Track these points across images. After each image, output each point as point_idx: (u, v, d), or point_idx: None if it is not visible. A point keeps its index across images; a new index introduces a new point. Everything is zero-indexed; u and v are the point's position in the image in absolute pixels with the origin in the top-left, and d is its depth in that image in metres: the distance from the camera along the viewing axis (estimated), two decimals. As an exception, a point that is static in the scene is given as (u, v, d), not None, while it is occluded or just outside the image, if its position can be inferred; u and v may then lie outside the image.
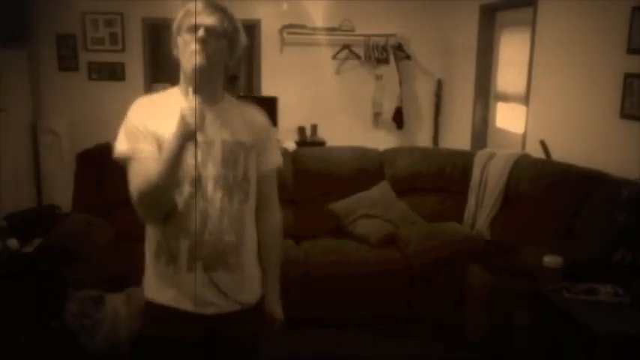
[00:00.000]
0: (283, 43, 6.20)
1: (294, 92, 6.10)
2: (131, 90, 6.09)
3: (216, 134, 1.78)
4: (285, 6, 6.10)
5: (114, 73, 6.05)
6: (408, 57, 6.24)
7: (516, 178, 3.90)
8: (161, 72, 6.37)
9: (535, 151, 4.16)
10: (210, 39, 1.76)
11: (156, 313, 1.84)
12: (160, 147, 1.71)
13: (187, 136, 1.61)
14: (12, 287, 4.08)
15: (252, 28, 6.24)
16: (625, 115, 3.46)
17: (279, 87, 6.14)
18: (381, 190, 4.21)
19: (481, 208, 4.08)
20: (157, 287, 1.86)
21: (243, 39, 1.90)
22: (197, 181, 1.73)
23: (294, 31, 6.13)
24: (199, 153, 1.71)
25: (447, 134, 6.25)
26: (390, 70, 6.16)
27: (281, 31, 6.15)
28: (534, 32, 4.42)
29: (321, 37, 6.13)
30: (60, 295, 3.43)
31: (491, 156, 4.20)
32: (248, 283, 1.85)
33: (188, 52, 1.75)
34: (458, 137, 5.85)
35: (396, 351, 3.47)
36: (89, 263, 3.45)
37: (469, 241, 3.75)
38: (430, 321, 3.64)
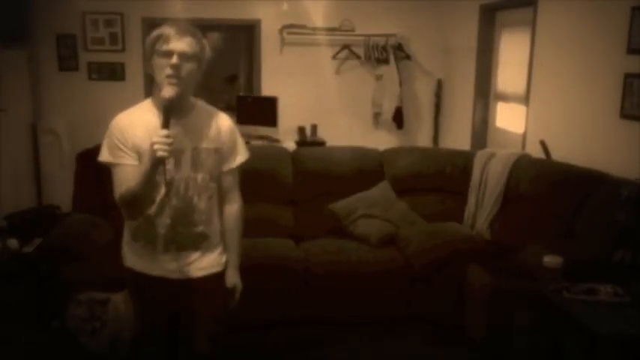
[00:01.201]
0: (283, 43, 6.20)
1: (294, 92, 6.11)
2: (131, 90, 6.10)
3: (186, 143, 2.11)
4: (285, 6, 6.11)
5: (114, 73, 6.06)
6: (408, 57, 6.24)
7: (516, 178, 3.91)
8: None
9: (535, 151, 4.16)
10: (182, 63, 2.02)
11: (134, 277, 2.29)
12: (139, 155, 2.06)
13: (158, 162, 1.95)
14: (12, 287, 4.08)
15: (252, 28, 6.24)
16: (625, 115, 3.46)
17: (279, 87, 6.14)
18: (381, 190, 4.21)
19: (481, 208, 4.08)
20: (135, 259, 2.27)
21: (208, 53, 2.16)
22: (170, 183, 2.11)
23: (294, 31, 6.13)
24: (172, 160, 2.06)
25: (447, 134, 6.25)
26: (390, 70, 6.16)
27: (281, 31, 6.15)
28: (534, 32, 4.42)
29: (321, 37, 6.14)
30: (60, 296, 3.43)
31: (491, 156, 4.20)
32: (211, 259, 2.27)
33: (162, 76, 2.03)
34: (458, 137, 5.85)
35: (395, 351, 3.47)
36: (89, 263, 3.45)
37: (469, 241, 3.74)
38: (430, 321, 3.64)
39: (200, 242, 2.23)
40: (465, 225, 4.10)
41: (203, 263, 2.25)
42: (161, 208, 2.14)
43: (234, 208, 2.31)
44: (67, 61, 5.96)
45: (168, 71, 2.00)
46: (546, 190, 3.62)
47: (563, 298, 2.59)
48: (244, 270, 3.50)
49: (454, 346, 3.45)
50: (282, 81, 6.16)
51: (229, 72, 6.64)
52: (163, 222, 2.15)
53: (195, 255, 2.23)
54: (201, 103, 2.23)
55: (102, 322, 3.14)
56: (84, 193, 4.03)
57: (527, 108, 4.53)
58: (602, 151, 3.66)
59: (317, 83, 6.24)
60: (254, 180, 3.91)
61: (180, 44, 2.03)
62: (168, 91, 2.00)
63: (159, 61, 2.04)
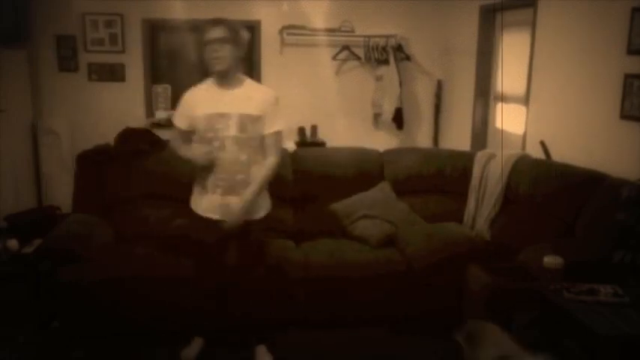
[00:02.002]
0: (283, 43, 6.20)
1: (294, 93, 6.10)
2: (131, 91, 6.11)
3: (234, 109, 2.95)
4: (285, 7, 6.11)
5: (114, 73, 6.05)
6: (408, 58, 6.24)
7: (516, 179, 3.91)
8: (161, 73, 6.37)
9: (535, 152, 4.16)
10: (219, 47, 2.93)
11: (194, 217, 3.13)
12: (191, 122, 3.05)
13: (202, 165, 3.02)
14: (12, 288, 4.08)
15: (252, 29, 6.24)
16: (625, 115, 3.46)
17: (279, 88, 6.08)
18: (382, 190, 4.21)
19: (481, 209, 4.08)
20: (195, 202, 3.14)
21: (245, 35, 3.05)
22: (219, 141, 2.96)
23: (294, 32, 6.14)
24: (223, 121, 2.95)
25: (447, 135, 6.25)
26: (390, 71, 6.16)
27: (281, 31, 6.15)
28: (534, 33, 4.42)
29: (321, 38, 6.14)
30: (60, 297, 3.43)
31: (491, 156, 4.20)
32: (251, 206, 3.01)
33: (208, 60, 2.99)
34: (458, 138, 5.85)
35: (395, 351, 3.47)
36: (89, 264, 3.45)
37: (469, 241, 3.74)
38: (430, 321, 3.64)
39: (240, 189, 2.96)
40: (464, 226, 4.10)
41: (243, 210, 2.98)
42: (213, 162, 2.96)
43: (269, 160, 3.02)
44: (67, 62, 5.96)
45: (211, 54, 2.95)
46: (546, 190, 3.62)
47: (564, 298, 2.59)
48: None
49: (454, 347, 3.45)
50: (282, 82, 6.16)
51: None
52: (214, 170, 2.97)
53: (235, 199, 2.96)
54: (249, 80, 3.10)
55: None
56: (84, 193, 4.03)
57: (527, 109, 4.53)
58: (602, 152, 3.66)
59: (317, 84, 6.24)
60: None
61: (215, 33, 2.93)
62: (214, 67, 2.96)
63: (205, 49, 2.98)
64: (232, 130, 2.93)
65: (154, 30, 6.21)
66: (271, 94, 3.04)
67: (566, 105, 4.07)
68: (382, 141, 5.91)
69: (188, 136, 3.10)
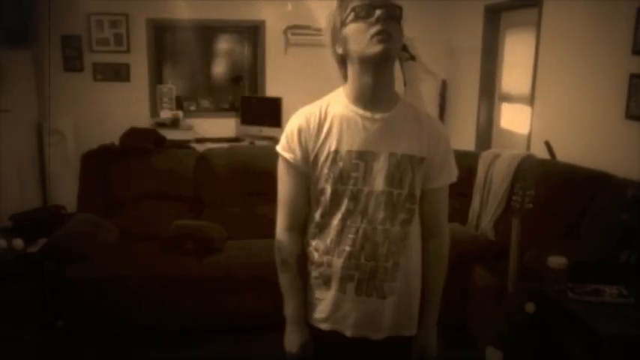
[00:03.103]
0: (288, 43, 6.20)
1: (299, 93, 6.07)
2: (136, 91, 6.12)
3: (382, 146, 1.62)
4: (289, 7, 6.11)
5: (119, 73, 6.07)
6: (412, 58, 6.24)
7: (521, 179, 3.89)
8: (165, 73, 6.39)
9: (540, 152, 4.15)
10: (389, 21, 1.61)
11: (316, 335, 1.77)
12: (307, 158, 1.65)
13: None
14: (17, 287, 4.09)
15: (256, 29, 6.25)
16: (630, 115, 3.45)
17: (283, 88, 6.15)
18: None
19: (485, 209, 4.07)
20: (310, 308, 1.77)
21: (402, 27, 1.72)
22: (356, 198, 1.62)
23: (298, 32, 6.14)
24: (362, 165, 1.61)
25: (452, 135, 6.20)
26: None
27: (285, 31, 6.15)
28: (539, 33, 4.41)
29: (326, 38, 6.12)
30: (65, 296, 3.44)
31: (496, 156, 4.19)
32: (402, 313, 1.71)
33: (364, 39, 1.57)
34: (462, 138, 5.84)
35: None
36: (94, 263, 3.46)
37: (473, 242, 3.74)
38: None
39: (385, 283, 1.66)
40: (469, 226, 4.10)
41: (388, 320, 1.69)
42: (342, 229, 1.65)
43: (438, 242, 1.75)
44: (72, 62, 5.98)
45: (374, 29, 1.57)
46: (551, 190, 3.61)
47: (568, 298, 2.59)
48: (247, 267, 3.50)
49: (457, 347, 3.44)
50: (287, 82, 6.17)
51: (234, 73, 6.64)
52: (342, 247, 1.65)
53: (378, 304, 1.67)
54: (405, 98, 1.73)
55: None
56: (89, 193, 4.04)
57: (532, 108, 4.52)
58: (607, 152, 3.65)
59: (321, 84, 6.17)
60: (257, 180, 3.93)
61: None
62: (376, 48, 1.57)
63: (357, 26, 1.59)
64: (378, 181, 1.63)
65: (159, 30, 6.22)
66: (442, 127, 1.78)
67: (571, 105, 4.06)
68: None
69: None
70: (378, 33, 1.56)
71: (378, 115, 1.62)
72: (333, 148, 1.61)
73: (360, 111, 1.63)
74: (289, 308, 1.75)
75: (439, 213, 1.73)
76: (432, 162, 1.65)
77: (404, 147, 1.62)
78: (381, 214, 1.62)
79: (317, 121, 1.65)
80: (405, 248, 1.66)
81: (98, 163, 4.04)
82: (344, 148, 1.60)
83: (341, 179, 1.61)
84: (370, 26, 1.57)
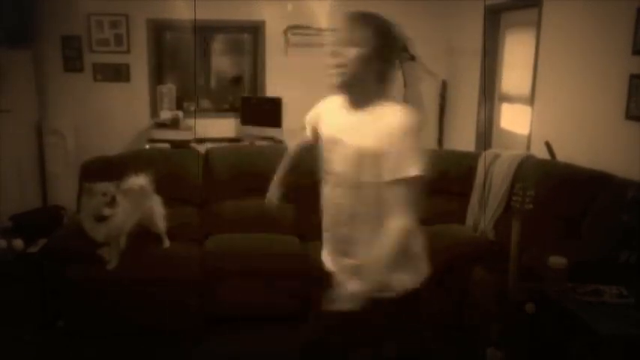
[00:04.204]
0: (288, 44, 6.20)
1: (299, 93, 6.09)
2: (136, 91, 6.12)
3: (352, 139, 1.94)
4: (289, 7, 6.11)
5: (119, 74, 6.07)
6: (412, 58, 6.23)
7: (521, 180, 3.89)
8: (166, 73, 6.39)
9: (540, 152, 4.15)
10: (342, 50, 1.98)
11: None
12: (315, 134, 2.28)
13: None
14: (17, 287, 4.10)
15: (256, 29, 6.25)
16: (630, 116, 3.45)
17: (283, 88, 6.14)
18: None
19: (485, 209, 4.07)
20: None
21: (382, 38, 1.99)
22: (329, 180, 2.05)
23: (298, 32, 6.13)
24: (338, 154, 1.99)
25: (452, 135, 6.24)
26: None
27: (285, 32, 6.15)
28: (539, 33, 4.41)
29: (326, 38, 6.13)
30: (64, 296, 3.44)
31: (496, 157, 4.19)
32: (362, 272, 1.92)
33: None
34: (462, 138, 5.84)
35: (397, 352, 3.46)
36: (94, 264, 3.46)
37: (473, 242, 3.74)
38: (434, 322, 3.63)
39: (347, 247, 2.02)
40: (468, 226, 4.10)
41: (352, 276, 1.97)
42: (325, 205, 2.10)
43: (394, 224, 1.90)
44: (72, 62, 5.98)
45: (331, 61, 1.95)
46: (551, 191, 3.61)
47: (568, 299, 2.59)
48: (247, 259, 3.48)
49: (458, 347, 3.45)
50: (287, 82, 6.16)
51: (234, 73, 6.65)
52: (325, 219, 2.10)
53: (345, 263, 2.05)
54: (392, 106, 1.94)
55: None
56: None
57: (532, 109, 4.52)
58: (607, 152, 3.64)
59: (321, 84, 6.21)
60: (258, 179, 3.92)
61: (341, 33, 2.01)
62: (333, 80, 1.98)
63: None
64: (344, 168, 2.02)
65: (159, 30, 6.22)
66: (407, 119, 1.93)
67: (571, 105, 4.06)
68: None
69: None
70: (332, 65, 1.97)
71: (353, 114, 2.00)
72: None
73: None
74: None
75: (394, 204, 1.89)
76: (389, 156, 1.86)
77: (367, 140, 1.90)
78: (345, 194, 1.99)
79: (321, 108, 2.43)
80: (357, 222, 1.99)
81: (97, 173, 4.02)
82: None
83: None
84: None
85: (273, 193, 2.54)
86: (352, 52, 1.90)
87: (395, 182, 1.87)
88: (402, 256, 1.96)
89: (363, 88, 1.95)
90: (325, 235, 2.11)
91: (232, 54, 6.63)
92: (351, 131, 1.95)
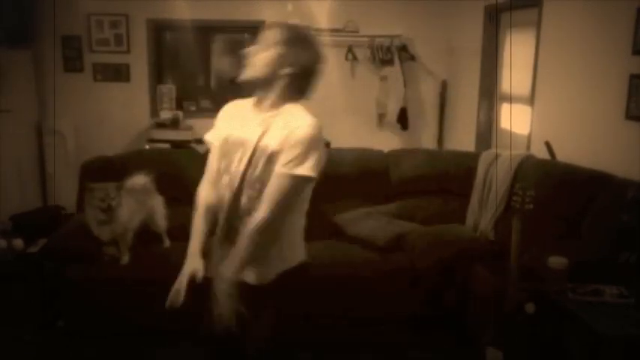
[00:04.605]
0: (288, 44, 6.19)
1: (299, 93, 6.11)
2: (136, 91, 6.12)
3: (252, 138, 2.05)
4: (289, 7, 6.11)
5: (119, 74, 6.07)
6: (412, 58, 6.24)
7: (521, 179, 3.89)
8: (166, 73, 6.39)
9: (540, 152, 4.15)
10: (252, 52, 2.24)
11: None
12: (219, 139, 2.17)
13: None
14: (17, 287, 4.10)
15: (256, 30, 6.24)
16: (630, 116, 3.45)
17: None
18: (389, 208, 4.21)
19: (485, 210, 4.07)
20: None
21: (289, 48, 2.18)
22: (225, 175, 2.12)
23: (298, 32, 6.13)
24: (239, 152, 2.08)
25: (452, 135, 6.25)
26: (394, 71, 6.16)
27: (285, 32, 6.14)
28: (539, 33, 4.41)
29: (326, 38, 6.13)
30: (65, 296, 3.44)
31: (496, 157, 4.19)
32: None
33: None
34: (462, 138, 5.84)
35: (398, 352, 3.46)
36: (94, 263, 3.46)
37: (473, 242, 3.74)
38: (434, 322, 3.64)
39: (235, 237, 2.08)
40: (468, 226, 4.10)
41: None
42: (222, 200, 2.14)
43: (256, 215, 2.02)
44: (72, 62, 5.99)
45: None
46: (551, 191, 3.61)
47: (568, 299, 2.59)
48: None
49: (458, 347, 3.45)
50: (287, 82, 6.16)
51: (234, 73, 6.64)
52: (222, 214, 2.16)
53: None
54: (296, 109, 2.17)
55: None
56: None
57: (532, 109, 4.52)
58: (607, 152, 3.64)
59: (321, 84, 6.21)
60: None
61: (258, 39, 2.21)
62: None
63: None
64: (241, 164, 2.15)
65: (159, 30, 6.23)
66: (308, 130, 2.09)
67: (572, 105, 4.06)
68: (386, 142, 5.90)
69: None
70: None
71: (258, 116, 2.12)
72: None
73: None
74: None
75: (267, 193, 2.01)
76: (280, 153, 1.99)
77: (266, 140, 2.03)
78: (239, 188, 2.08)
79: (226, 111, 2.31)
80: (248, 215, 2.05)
81: (97, 173, 4.03)
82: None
83: None
84: None
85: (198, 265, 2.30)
86: (260, 55, 2.13)
87: (277, 175, 1.99)
88: (264, 246, 2.10)
89: (266, 90, 2.13)
90: (221, 225, 2.19)
91: (232, 54, 6.63)
92: (253, 131, 2.06)
